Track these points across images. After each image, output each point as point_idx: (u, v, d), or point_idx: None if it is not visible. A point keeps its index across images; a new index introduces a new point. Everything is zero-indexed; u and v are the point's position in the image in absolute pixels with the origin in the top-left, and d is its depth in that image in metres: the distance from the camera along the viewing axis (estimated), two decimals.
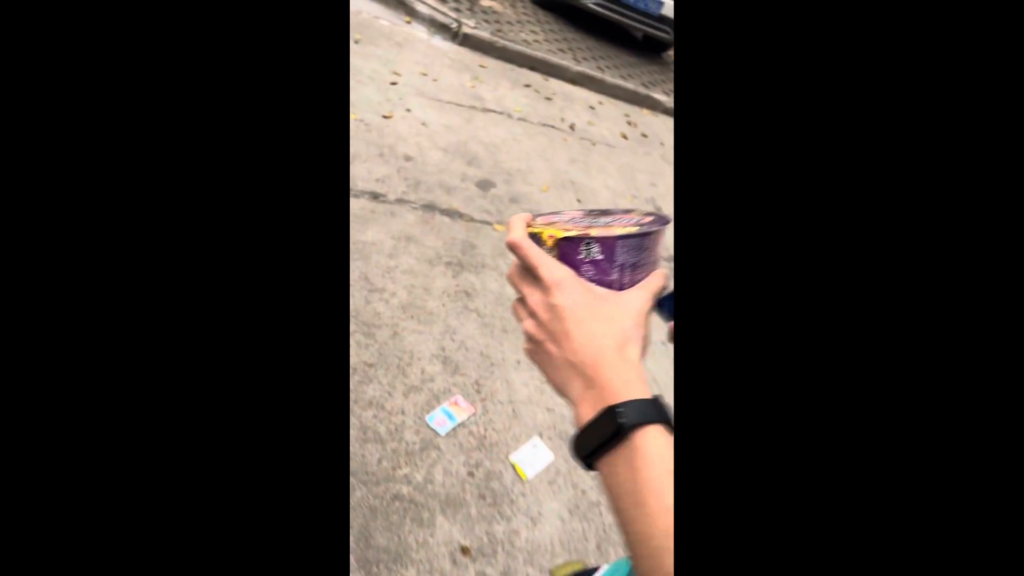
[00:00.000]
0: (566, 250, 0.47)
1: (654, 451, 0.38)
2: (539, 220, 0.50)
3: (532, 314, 0.46)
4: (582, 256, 0.47)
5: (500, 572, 1.48)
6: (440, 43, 4.08)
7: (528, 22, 4.97)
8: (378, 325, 1.94)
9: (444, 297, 2.18)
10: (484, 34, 4.25)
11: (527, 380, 2.02)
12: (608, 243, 0.46)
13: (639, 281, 0.48)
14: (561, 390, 0.45)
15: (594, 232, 0.46)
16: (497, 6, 4.83)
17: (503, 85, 4.03)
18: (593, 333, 0.43)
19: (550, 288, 0.45)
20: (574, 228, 0.47)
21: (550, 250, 0.47)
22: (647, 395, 0.40)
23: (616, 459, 0.39)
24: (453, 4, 4.36)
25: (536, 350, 0.46)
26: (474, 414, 1.82)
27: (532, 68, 4.53)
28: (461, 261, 2.38)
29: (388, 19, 3.90)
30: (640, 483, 0.37)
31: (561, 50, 4.86)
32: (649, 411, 0.39)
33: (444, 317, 2.10)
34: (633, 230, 0.47)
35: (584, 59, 4.96)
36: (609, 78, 4.90)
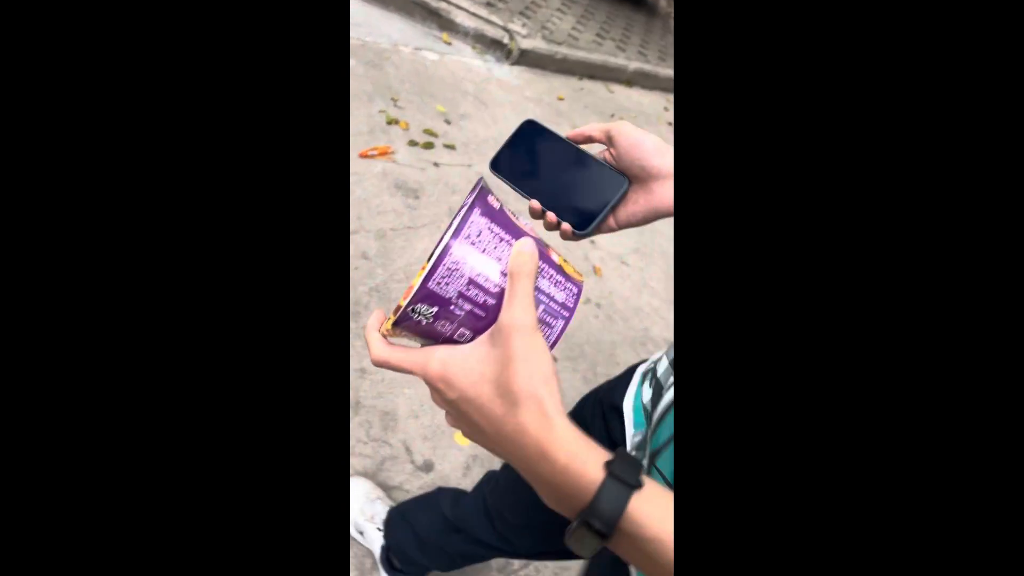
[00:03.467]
0: (415, 328, 0.40)
1: (648, 527, 0.33)
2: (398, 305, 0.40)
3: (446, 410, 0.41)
4: (426, 322, 0.40)
5: None
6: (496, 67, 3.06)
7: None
8: None
9: None
10: (541, 44, 3.25)
11: None
12: (426, 294, 0.38)
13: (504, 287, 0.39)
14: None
15: (413, 292, 0.38)
16: None
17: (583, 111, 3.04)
18: (508, 418, 0.36)
19: (436, 388, 0.39)
20: (404, 296, 0.39)
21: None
22: (600, 459, 0.35)
23: (619, 549, 0.35)
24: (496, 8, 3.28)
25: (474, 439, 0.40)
26: None
27: (591, 76, 3.61)
28: None
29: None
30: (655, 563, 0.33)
31: (599, 36, 3.91)
32: (617, 490, 0.33)
33: None
34: (429, 265, 0.38)
35: (624, 43, 4.08)
36: (662, 69, 4.09)
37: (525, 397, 0.35)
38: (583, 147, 0.58)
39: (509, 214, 0.42)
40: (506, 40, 3.13)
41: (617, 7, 4.70)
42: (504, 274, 0.39)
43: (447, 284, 0.38)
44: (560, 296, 0.41)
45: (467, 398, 0.37)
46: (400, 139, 2.17)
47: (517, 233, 0.41)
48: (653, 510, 0.33)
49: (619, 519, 0.33)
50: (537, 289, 0.40)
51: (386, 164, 2.01)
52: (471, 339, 0.40)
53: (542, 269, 0.41)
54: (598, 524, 0.33)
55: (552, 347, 0.40)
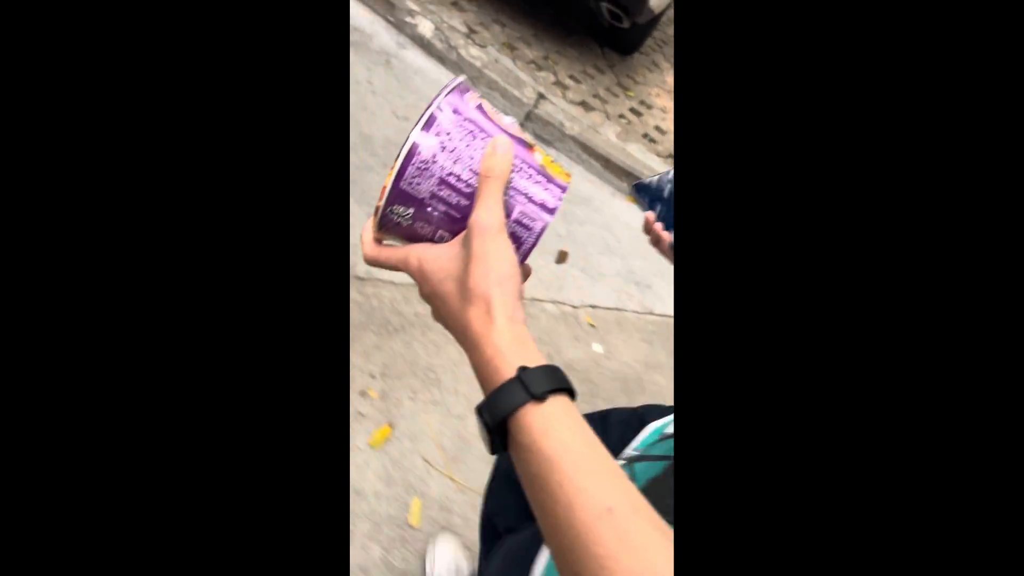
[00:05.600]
0: (398, 230, 0.41)
1: (527, 435, 0.33)
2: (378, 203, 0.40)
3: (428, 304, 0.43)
4: (405, 223, 0.40)
5: None
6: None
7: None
8: None
9: None
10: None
11: None
12: (398, 195, 0.39)
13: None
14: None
15: (386, 192, 0.39)
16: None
17: None
18: (462, 314, 0.38)
19: (416, 281, 0.41)
20: (380, 197, 0.40)
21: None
22: (521, 362, 0.35)
23: (511, 451, 0.35)
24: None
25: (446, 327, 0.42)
26: None
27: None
28: None
29: None
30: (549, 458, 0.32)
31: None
32: (514, 393, 0.34)
33: None
34: (397, 164, 0.38)
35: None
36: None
37: (476, 295, 0.37)
38: None
39: (488, 113, 0.41)
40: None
41: None
42: (478, 173, 0.38)
43: (418, 184, 0.38)
44: (539, 195, 0.40)
45: (436, 293, 0.40)
46: None
47: (492, 132, 0.40)
48: (539, 422, 0.33)
49: (506, 419, 0.34)
50: (514, 189, 0.40)
51: None
52: (449, 239, 0.40)
53: (520, 168, 0.40)
54: (485, 416, 0.35)
55: (531, 247, 0.41)
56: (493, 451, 0.36)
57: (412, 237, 0.41)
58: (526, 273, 0.43)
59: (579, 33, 3.44)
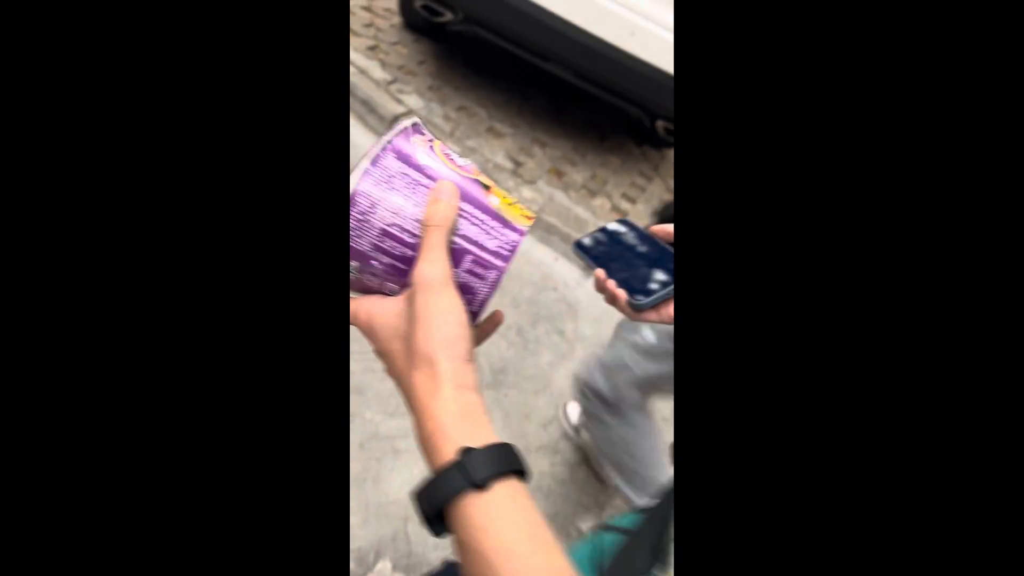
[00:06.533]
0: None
1: (466, 531, 0.31)
2: None
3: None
4: (353, 277, 0.39)
5: None
6: None
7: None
8: None
9: None
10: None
11: None
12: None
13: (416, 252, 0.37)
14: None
15: None
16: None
17: None
18: (407, 377, 0.36)
19: (368, 340, 0.39)
20: None
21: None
22: (464, 442, 0.33)
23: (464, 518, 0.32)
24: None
25: None
26: None
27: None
28: None
29: None
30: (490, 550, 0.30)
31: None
32: (451, 482, 0.31)
33: None
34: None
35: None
36: None
37: (420, 359, 0.35)
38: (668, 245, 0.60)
39: (438, 155, 0.39)
40: None
41: None
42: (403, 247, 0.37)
43: (358, 236, 0.37)
44: (492, 241, 0.38)
45: (383, 351, 0.37)
46: None
47: (439, 176, 0.38)
48: (479, 515, 0.30)
49: (442, 511, 0.32)
50: (462, 236, 0.37)
51: None
52: (400, 292, 0.38)
53: (467, 214, 0.38)
54: (423, 504, 0.32)
55: (486, 298, 0.38)
56: (438, 536, 0.33)
57: (361, 289, 0.40)
58: (494, 324, 0.42)
59: (614, 134, 3.15)
